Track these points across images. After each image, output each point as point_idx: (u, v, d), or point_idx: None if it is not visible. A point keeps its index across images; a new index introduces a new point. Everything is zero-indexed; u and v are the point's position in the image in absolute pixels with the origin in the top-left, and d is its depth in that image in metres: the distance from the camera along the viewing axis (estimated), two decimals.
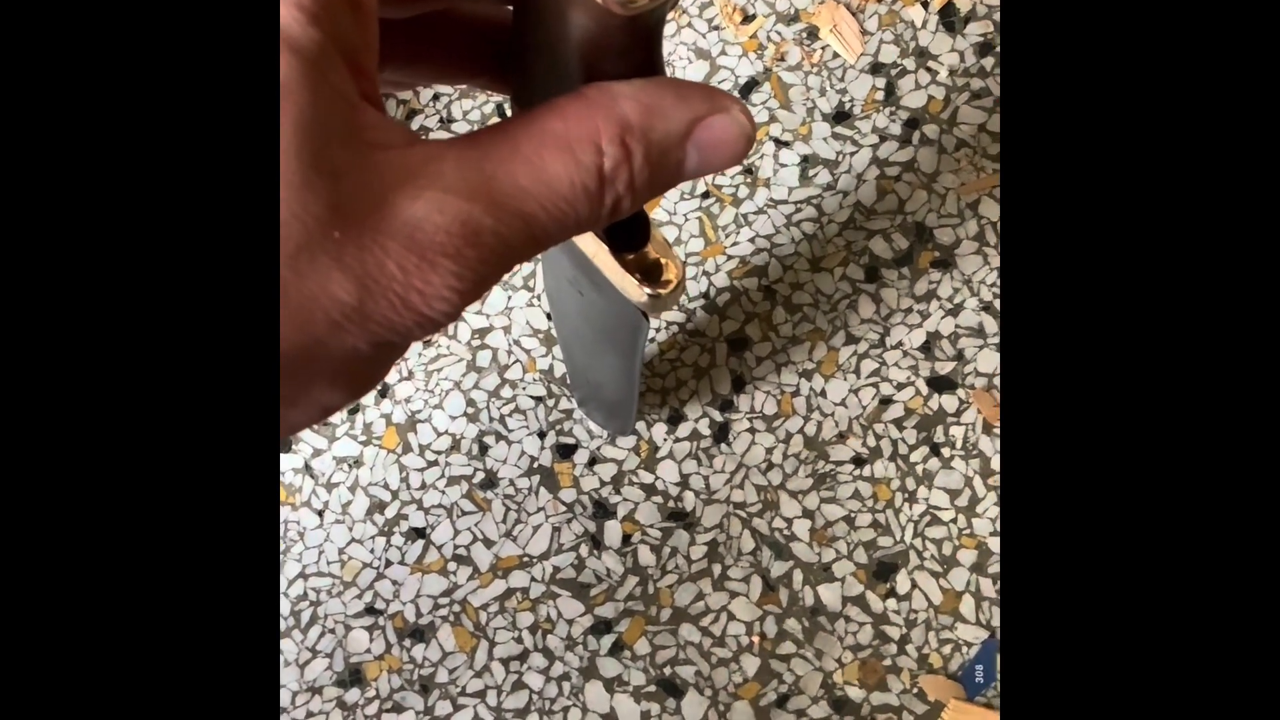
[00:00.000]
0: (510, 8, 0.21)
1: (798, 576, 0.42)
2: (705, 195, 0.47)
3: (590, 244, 0.25)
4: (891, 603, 0.42)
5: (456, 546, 0.44)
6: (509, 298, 0.46)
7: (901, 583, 0.42)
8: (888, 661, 0.41)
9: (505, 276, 0.46)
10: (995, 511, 0.42)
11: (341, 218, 0.16)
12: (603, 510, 0.44)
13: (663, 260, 0.25)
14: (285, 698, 0.42)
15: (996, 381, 0.44)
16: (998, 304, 0.44)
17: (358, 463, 0.45)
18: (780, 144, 0.47)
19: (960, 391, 0.44)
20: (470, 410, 0.45)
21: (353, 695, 0.42)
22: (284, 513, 0.44)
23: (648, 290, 0.25)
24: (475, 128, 0.48)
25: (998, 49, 0.47)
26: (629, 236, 0.25)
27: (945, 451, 0.43)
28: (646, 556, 0.43)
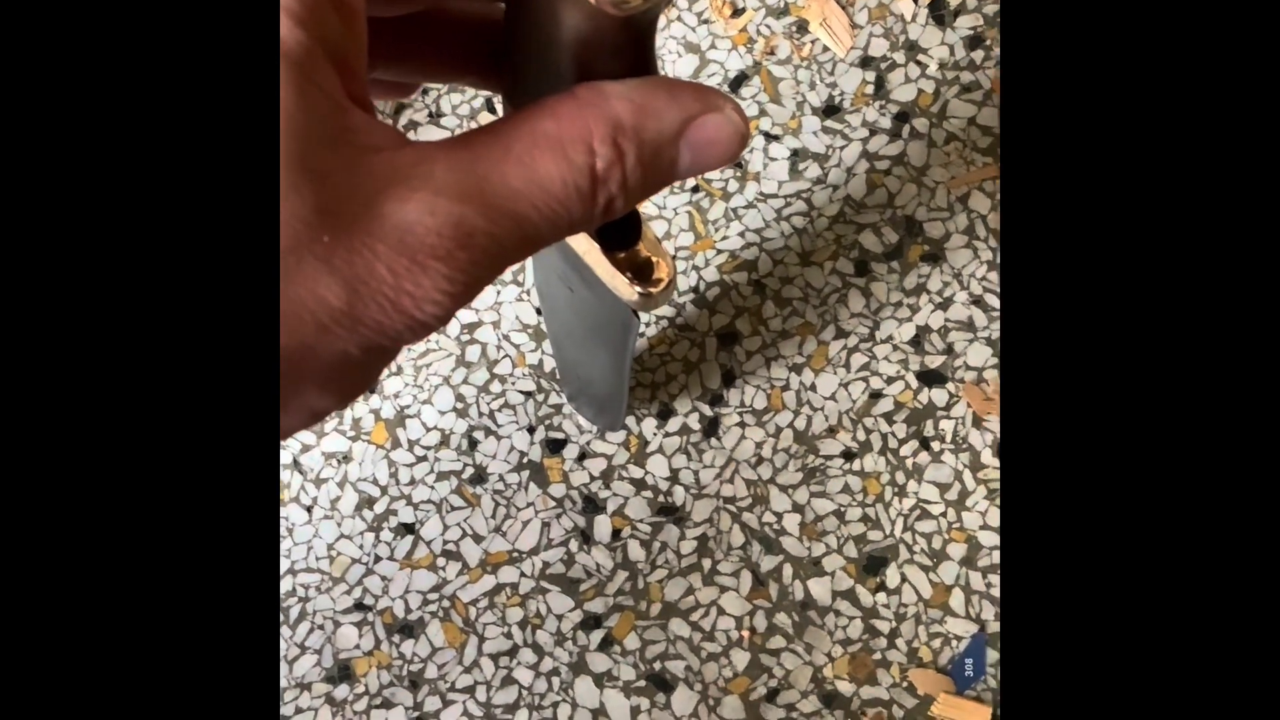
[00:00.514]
0: (502, 5, 0.21)
1: (787, 571, 0.42)
2: (695, 189, 0.47)
3: (581, 242, 0.25)
4: (881, 597, 0.42)
5: (446, 542, 0.43)
6: (498, 292, 0.46)
7: (891, 577, 0.42)
8: (877, 655, 0.41)
9: None
10: (985, 505, 0.42)
11: (330, 221, 0.16)
12: (592, 505, 0.44)
13: (654, 259, 0.25)
14: None
15: (986, 375, 0.44)
16: (987, 298, 0.44)
17: (346, 458, 0.45)
18: (770, 138, 0.47)
19: (950, 385, 0.44)
20: (459, 405, 0.45)
21: (342, 691, 0.42)
22: None
23: (639, 289, 0.25)
24: (465, 122, 0.48)
25: (988, 42, 0.47)
26: (620, 235, 0.25)
27: (935, 445, 0.43)
28: (636, 551, 0.43)
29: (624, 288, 0.25)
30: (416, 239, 0.17)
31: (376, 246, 0.16)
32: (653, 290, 0.25)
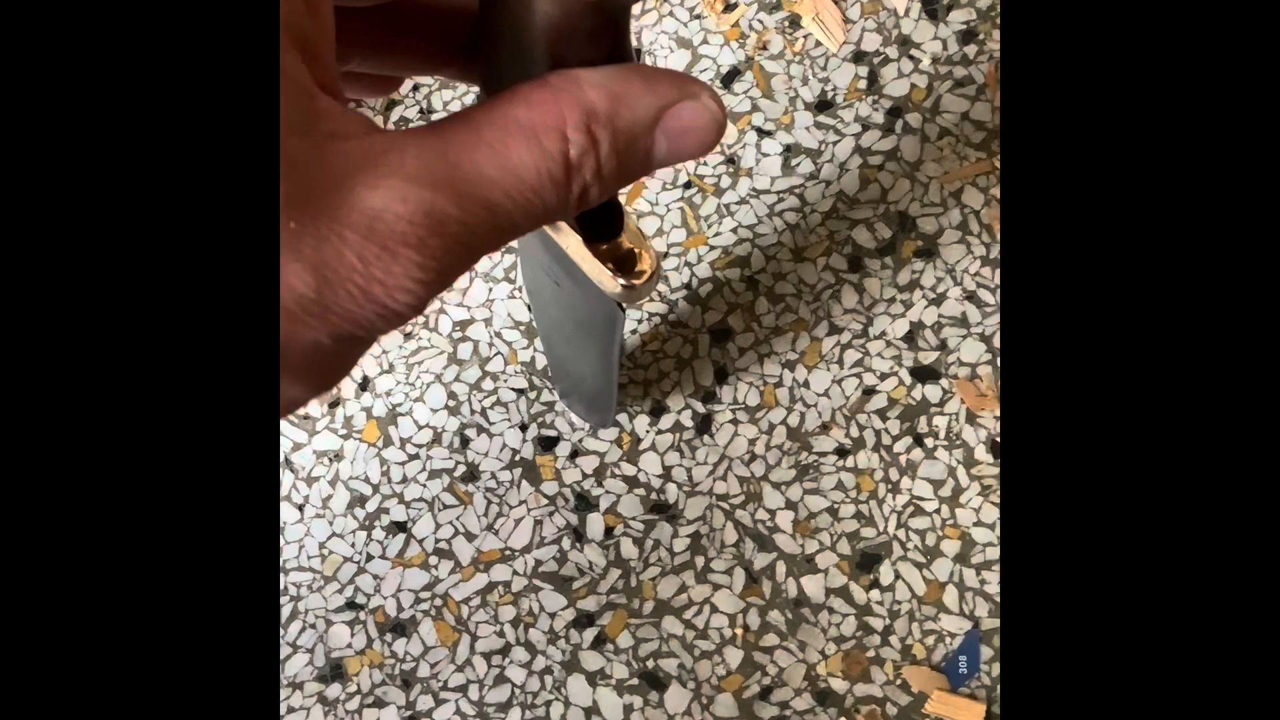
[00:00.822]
0: None
1: (781, 568, 0.42)
2: (687, 185, 0.46)
3: (563, 234, 0.25)
4: (875, 594, 0.42)
5: (438, 540, 0.43)
6: (490, 290, 0.46)
7: (885, 574, 0.42)
8: (871, 653, 0.41)
9: (486, 268, 0.46)
10: (979, 502, 0.42)
11: (297, 208, 0.16)
12: (585, 503, 0.43)
13: (637, 250, 0.25)
14: None
15: (980, 371, 0.43)
16: (981, 293, 0.44)
17: (338, 456, 0.44)
18: (762, 133, 0.47)
19: (944, 381, 0.43)
20: (451, 403, 0.45)
21: (334, 690, 0.42)
22: None
23: (621, 281, 0.25)
24: None
25: (981, 37, 0.47)
26: (602, 226, 0.25)
27: (929, 442, 0.43)
28: (629, 549, 0.43)
29: (607, 280, 0.25)
30: (386, 226, 0.17)
31: (345, 233, 0.16)
32: (636, 282, 0.25)
